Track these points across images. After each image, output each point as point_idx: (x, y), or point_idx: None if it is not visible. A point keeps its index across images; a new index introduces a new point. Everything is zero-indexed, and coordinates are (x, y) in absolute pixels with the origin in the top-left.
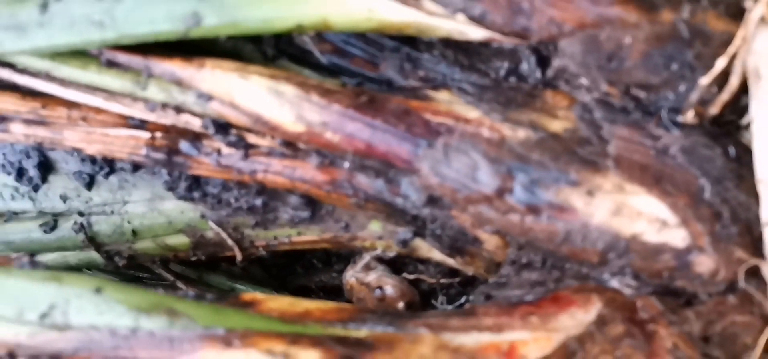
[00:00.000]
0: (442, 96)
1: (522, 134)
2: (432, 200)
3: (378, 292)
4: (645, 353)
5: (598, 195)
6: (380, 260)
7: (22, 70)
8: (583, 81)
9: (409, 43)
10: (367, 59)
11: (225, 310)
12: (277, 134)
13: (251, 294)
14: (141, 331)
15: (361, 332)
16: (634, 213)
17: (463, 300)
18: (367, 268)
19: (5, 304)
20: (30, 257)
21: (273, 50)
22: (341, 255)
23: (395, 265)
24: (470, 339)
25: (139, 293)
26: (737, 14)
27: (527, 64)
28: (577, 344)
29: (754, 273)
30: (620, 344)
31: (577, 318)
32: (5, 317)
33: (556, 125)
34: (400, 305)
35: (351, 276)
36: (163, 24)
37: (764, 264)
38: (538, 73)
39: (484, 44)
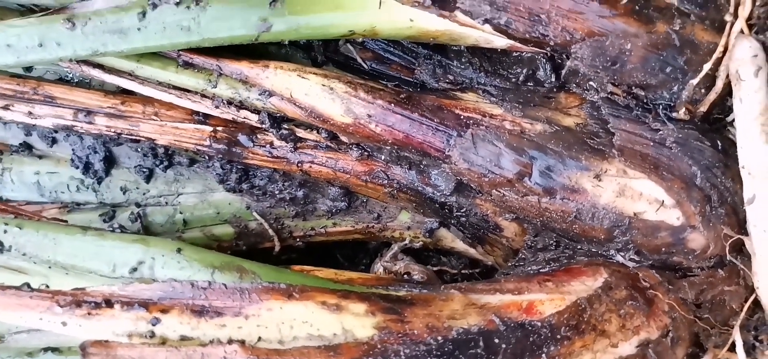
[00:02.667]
0: (469, 97)
1: (539, 127)
2: (459, 188)
3: (406, 278)
4: (645, 313)
5: (604, 179)
6: (406, 252)
7: (110, 70)
8: (592, 83)
9: (440, 51)
10: (404, 65)
11: (284, 271)
12: (327, 126)
13: (300, 266)
14: (215, 284)
15: (401, 293)
16: (635, 194)
17: None
18: (395, 258)
19: (101, 261)
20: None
21: (322, 57)
22: (368, 251)
23: (419, 257)
24: (494, 299)
25: (212, 254)
26: (720, 27)
27: (543, 71)
28: (586, 303)
29: (739, 249)
30: (624, 305)
31: (586, 284)
32: (101, 271)
33: (569, 121)
34: None
35: (379, 266)
36: (240, 29)
37: (748, 240)
38: (553, 78)
39: (506, 53)
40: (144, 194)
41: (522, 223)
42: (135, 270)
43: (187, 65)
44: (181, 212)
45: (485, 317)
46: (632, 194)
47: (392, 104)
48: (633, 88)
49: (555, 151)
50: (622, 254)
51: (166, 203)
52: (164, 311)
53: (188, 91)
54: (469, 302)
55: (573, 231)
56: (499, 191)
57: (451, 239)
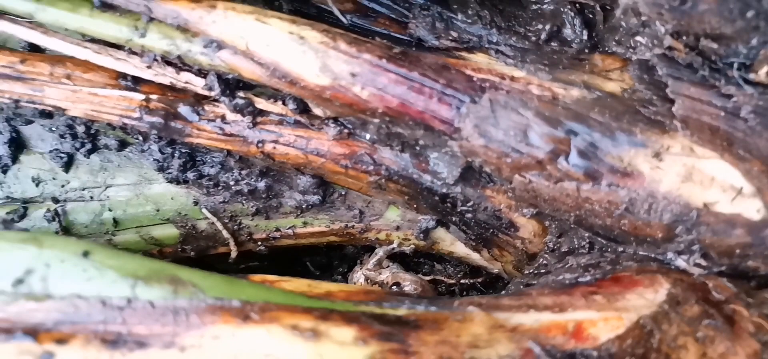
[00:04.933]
0: (479, 58)
1: (576, 93)
2: (465, 176)
3: (395, 290)
4: (728, 335)
5: (666, 158)
6: (392, 258)
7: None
8: (641, 38)
9: (439, 1)
10: (395, 19)
11: (237, 282)
12: (296, 90)
13: (261, 276)
14: (138, 301)
15: (400, 310)
16: (706, 179)
17: None
18: (380, 265)
19: None
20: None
21: (288, 6)
22: (346, 257)
23: (407, 265)
24: (529, 319)
25: (135, 259)
26: None
27: (571, 27)
28: (652, 323)
29: None
30: (699, 325)
31: (646, 297)
32: None
33: (612, 86)
34: None
35: (360, 275)
36: None
37: None
38: (584, 35)
39: (523, 5)
40: (62, 186)
41: (543, 220)
42: (20, 282)
43: (105, 6)
44: (110, 209)
45: (520, 344)
46: (702, 179)
47: (384, 60)
48: (702, 39)
49: (600, 122)
50: (685, 257)
51: (91, 197)
52: (61, 341)
53: (110, 45)
54: (496, 323)
55: (619, 229)
56: (524, 176)
57: (450, 242)
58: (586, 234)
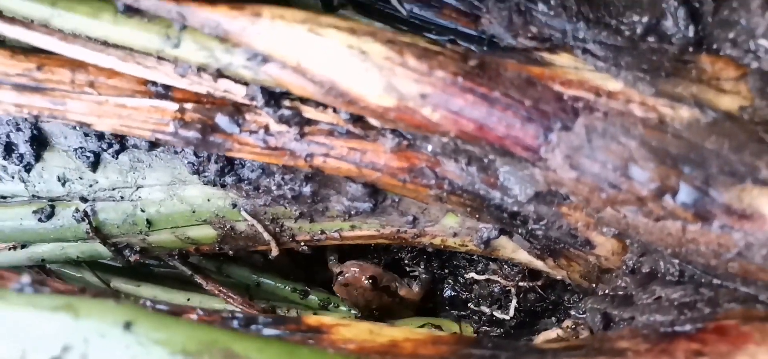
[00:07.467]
0: (564, 59)
1: (686, 113)
2: (541, 196)
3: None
4: None
5: None
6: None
7: (11, 19)
8: (764, 41)
9: None
10: (464, 11)
11: (297, 350)
12: (354, 109)
13: (316, 318)
14: None
15: None
16: None
17: (540, 307)
18: None
19: (3, 342)
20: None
21: None
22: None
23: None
24: None
25: (183, 327)
26: None
27: (673, 19)
28: None
29: None
30: None
31: None
32: None
33: (727, 102)
34: None
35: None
36: None
37: None
38: (689, 31)
39: None
40: (90, 186)
41: (624, 238)
42: None
43: (131, 11)
44: (142, 209)
45: None
46: None
47: (459, 78)
48: None
49: (718, 155)
50: None
51: (122, 197)
52: None
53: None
54: None
55: (725, 270)
56: (619, 211)
57: (512, 250)
58: (676, 262)
